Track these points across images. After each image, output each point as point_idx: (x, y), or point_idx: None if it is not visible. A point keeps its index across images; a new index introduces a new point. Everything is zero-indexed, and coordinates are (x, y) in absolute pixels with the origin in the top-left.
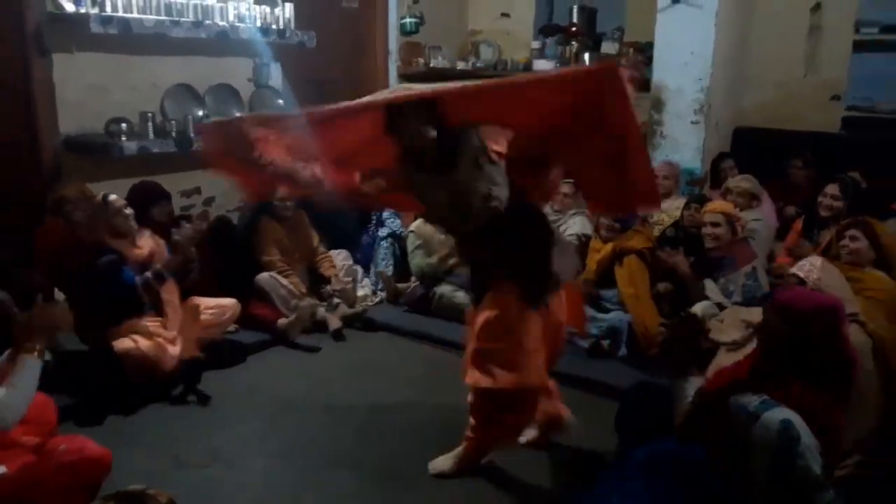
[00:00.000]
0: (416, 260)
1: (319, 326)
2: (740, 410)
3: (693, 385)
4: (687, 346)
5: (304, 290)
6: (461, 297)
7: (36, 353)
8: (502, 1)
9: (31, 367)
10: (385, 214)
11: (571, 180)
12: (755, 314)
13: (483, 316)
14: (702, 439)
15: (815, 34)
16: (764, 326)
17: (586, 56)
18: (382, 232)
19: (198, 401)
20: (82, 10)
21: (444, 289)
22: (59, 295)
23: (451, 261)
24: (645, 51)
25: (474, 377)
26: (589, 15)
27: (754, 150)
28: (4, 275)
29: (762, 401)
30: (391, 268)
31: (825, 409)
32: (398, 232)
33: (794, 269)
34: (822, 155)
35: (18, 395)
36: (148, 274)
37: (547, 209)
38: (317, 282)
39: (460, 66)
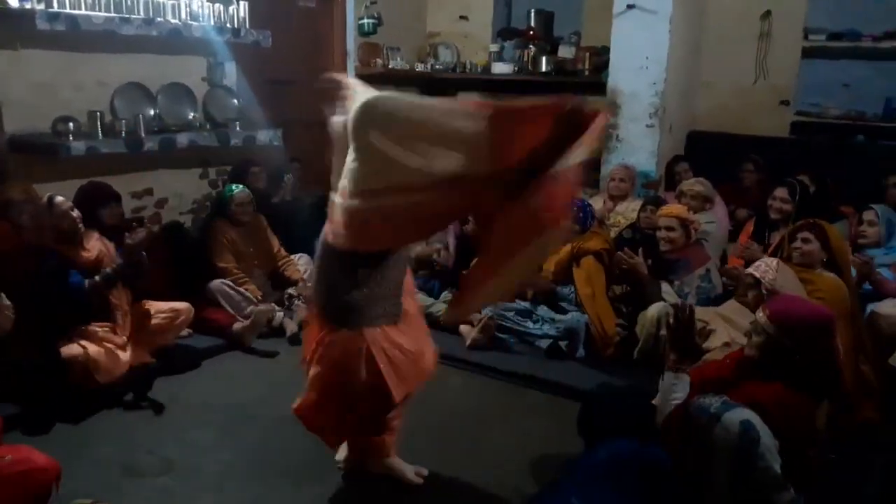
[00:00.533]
0: None
1: (277, 330)
2: (701, 412)
3: (684, 383)
4: (688, 339)
5: (260, 297)
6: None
7: None
8: (461, 3)
9: None
10: None
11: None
12: (710, 314)
13: (416, 324)
14: (682, 441)
15: (764, 41)
16: (757, 332)
17: (543, 59)
18: None
19: (150, 408)
20: (27, 6)
21: None
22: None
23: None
24: (601, 55)
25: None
26: (546, 19)
27: (707, 153)
28: None
29: (723, 402)
30: None
31: (808, 410)
32: None
33: (750, 269)
34: (772, 159)
35: None
36: (97, 277)
37: None
38: (279, 286)
39: (419, 67)
